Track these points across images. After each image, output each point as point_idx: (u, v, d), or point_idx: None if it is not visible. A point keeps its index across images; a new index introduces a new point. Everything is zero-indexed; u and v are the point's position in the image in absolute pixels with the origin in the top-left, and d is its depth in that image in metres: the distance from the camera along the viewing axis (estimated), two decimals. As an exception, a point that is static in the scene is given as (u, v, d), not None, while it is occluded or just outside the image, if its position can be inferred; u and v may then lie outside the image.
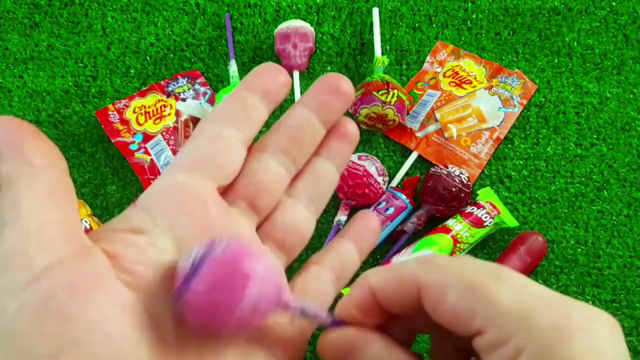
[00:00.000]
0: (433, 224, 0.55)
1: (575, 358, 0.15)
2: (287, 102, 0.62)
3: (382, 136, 0.60)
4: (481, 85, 0.61)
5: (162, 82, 0.62)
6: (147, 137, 0.59)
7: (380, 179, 0.55)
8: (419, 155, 0.59)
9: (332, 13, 0.67)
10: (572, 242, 0.56)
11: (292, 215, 0.22)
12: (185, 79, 0.63)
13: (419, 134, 0.60)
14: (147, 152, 0.58)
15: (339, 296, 0.22)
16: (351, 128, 0.24)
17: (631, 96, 0.62)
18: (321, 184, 0.23)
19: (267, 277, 0.17)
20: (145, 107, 0.61)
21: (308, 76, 0.63)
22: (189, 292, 0.16)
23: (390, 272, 0.19)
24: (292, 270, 0.23)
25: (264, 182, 0.22)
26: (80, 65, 0.64)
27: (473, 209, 0.54)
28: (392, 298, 0.19)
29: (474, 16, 0.66)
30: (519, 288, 0.17)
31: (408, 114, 0.60)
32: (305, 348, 0.20)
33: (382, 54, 0.62)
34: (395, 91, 0.56)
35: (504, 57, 0.64)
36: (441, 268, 0.18)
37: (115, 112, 0.60)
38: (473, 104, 0.60)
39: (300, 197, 0.23)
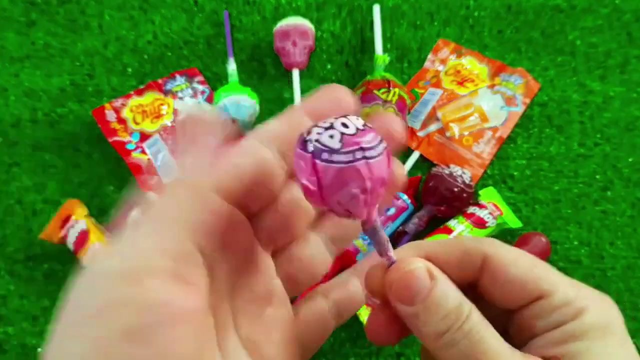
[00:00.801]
0: (435, 224, 0.54)
1: (619, 319, 0.19)
2: (286, 102, 0.61)
3: (382, 135, 0.60)
4: (483, 84, 0.60)
5: (160, 81, 0.61)
6: (144, 137, 0.58)
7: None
8: (421, 155, 0.58)
9: (332, 10, 0.66)
10: (576, 242, 0.55)
11: (309, 252, 0.22)
12: (183, 78, 0.62)
13: (420, 133, 0.59)
14: (143, 152, 0.58)
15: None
16: (398, 171, 0.22)
17: (635, 95, 0.61)
18: (347, 226, 0.23)
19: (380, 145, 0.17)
20: (142, 105, 0.60)
21: (308, 74, 0.63)
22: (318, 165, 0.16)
23: (451, 243, 0.20)
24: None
25: (289, 217, 0.21)
26: (77, 63, 0.63)
27: (475, 209, 0.53)
28: (452, 265, 0.20)
29: (476, 14, 0.65)
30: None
31: (409, 113, 0.60)
32: (323, 341, 0.20)
33: (383, 52, 0.61)
34: (396, 90, 0.55)
35: (506, 56, 0.63)
36: (503, 245, 0.20)
37: (112, 111, 0.59)
38: (475, 103, 0.59)
39: (322, 234, 0.23)
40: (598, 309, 0.18)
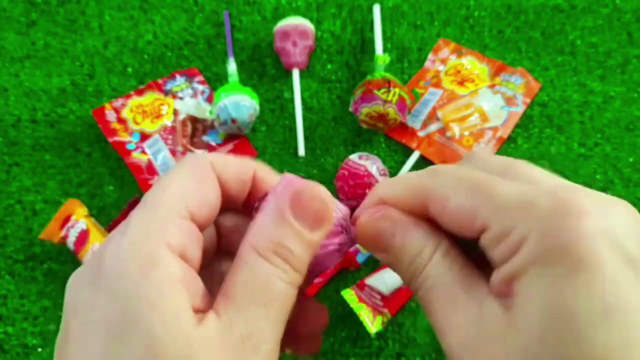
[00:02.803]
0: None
1: (582, 238, 0.14)
2: (286, 102, 0.61)
3: (383, 135, 0.60)
4: (484, 84, 0.60)
5: (160, 81, 0.61)
6: (144, 137, 0.58)
7: (381, 179, 0.54)
8: (421, 155, 0.58)
9: (333, 10, 0.66)
10: (576, 243, 0.55)
11: None
12: (183, 78, 0.62)
13: (420, 134, 0.59)
14: (144, 152, 0.58)
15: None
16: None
17: (635, 95, 0.61)
18: None
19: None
20: (142, 105, 0.60)
21: (308, 74, 0.63)
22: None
23: (399, 183, 0.20)
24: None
25: None
26: (77, 63, 0.63)
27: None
28: (402, 207, 0.20)
29: (476, 14, 0.65)
30: (527, 179, 0.17)
31: (409, 112, 0.59)
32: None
33: (383, 52, 0.61)
34: (397, 90, 0.55)
35: (506, 55, 0.63)
36: (446, 174, 0.19)
37: (112, 111, 0.59)
38: (475, 103, 0.59)
39: None
40: (545, 231, 0.15)
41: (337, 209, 0.21)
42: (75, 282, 0.18)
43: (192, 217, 0.19)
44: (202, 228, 0.19)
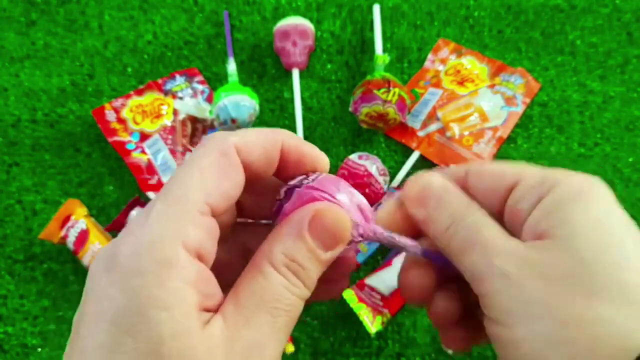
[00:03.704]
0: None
1: (601, 187, 0.20)
2: (286, 102, 0.61)
3: (383, 135, 0.60)
4: (483, 84, 0.60)
5: (160, 81, 0.61)
6: (144, 137, 0.58)
7: (381, 179, 0.54)
8: (421, 155, 0.58)
9: (333, 10, 0.66)
10: (576, 243, 0.55)
11: None
12: (183, 77, 0.62)
13: (420, 133, 0.59)
14: (143, 152, 0.58)
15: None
16: None
17: (635, 95, 0.61)
18: None
19: (351, 203, 0.21)
20: (142, 105, 0.60)
21: (308, 74, 0.63)
22: (280, 214, 0.21)
23: (450, 171, 0.24)
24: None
25: None
26: (76, 63, 0.63)
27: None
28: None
29: (476, 14, 0.65)
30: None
31: (409, 112, 0.59)
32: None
33: (383, 52, 0.61)
34: (396, 89, 0.55)
35: (506, 55, 0.63)
36: (481, 161, 0.24)
37: (112, 111, 0.59)
38: (475, 103, 0.59)
39: None
40: (570, 180, 0.20)
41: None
42: (95, 266, 0.18)
43: (212, 211, 0.18)
44: (221, 216, 0.19)
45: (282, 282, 0.19)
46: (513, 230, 0.21)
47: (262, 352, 0.18)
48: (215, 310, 0.18)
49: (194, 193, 0.18)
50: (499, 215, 0.22)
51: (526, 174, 0.21)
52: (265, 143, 0.21)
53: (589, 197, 0.19)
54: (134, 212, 0.53)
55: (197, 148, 0.20)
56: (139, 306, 0.16)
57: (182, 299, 0.16)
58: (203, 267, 0.18)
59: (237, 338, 0.17)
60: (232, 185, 0.19)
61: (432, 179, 0.23)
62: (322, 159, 0.23)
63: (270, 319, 0.18)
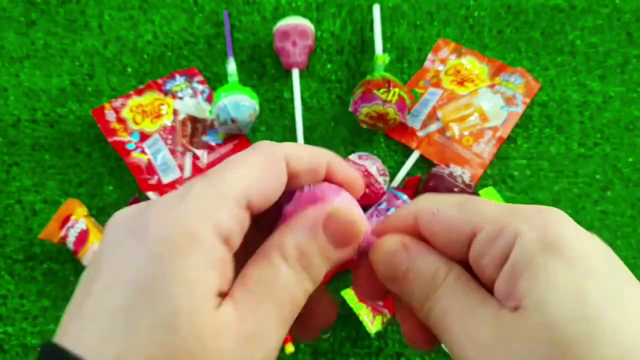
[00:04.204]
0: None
1: (571, 235, 0.17)
2: (286, 102, 0.61)
3: (383, 135, 0.60)
4: (483, 84, 0.60)
5: (160, 81, 0.61)
6: (144, 137, 0.58)
7: (381, 179, 0.54)
8: (421, 155, 0.58)
9: (332, 10, 0.66)
10: (576, 243, 0.55)
11: None
12: (183, 77, 0.62)
13: (420, 133, 0.59)
14: (143, 152, 0.58)
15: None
16: None
17: (635, 95, 0.61)
18: None
19: (343, 204, 0.21)
20: (142, 105, 0.60)
21: (308, 74, 0.63)
22: (282, 215, 0.21)
23: (391, 216, 0.22)
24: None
25: None
26: (76, 63, 0.63)
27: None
28: (396, 230, 0.21)
29: (475, 14, 0.65)
30: (497, 202, 0.20)
31: (409, 112, 0.59)
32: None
33: (383, 51, 0.61)
34: (396, 89, 0.55)
35: (506, 55, 0.63)
36: (429, 196, 0.21)
37: (112, 111, 0.59)
38: (475, 103, 0.59)
39: None
40: (534, 227, 0.17)
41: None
42: (117, 227, 0.18)
43: (249, 206, 0.19)
44: (254, 213, 0.20)
45: (292, 274, 0.19)
46: (484, 281, 0.19)
47: (266, 339, 0.18)
48: (226, 294, 0.18)
49: (236, 184, 0.18)
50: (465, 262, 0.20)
51: (482, 221, 0.19)
52: (313, 159, 0.21)
53: (554, 251, 0.17)
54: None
55: (246, 151, 0.20)
56: (163, 276, 0.16)
57: (204, 279, 0.17)
58: (227, 252, 0.18)
59: (245, 323, 0.17)
60: (273, 187, 0.20)
61: (393, 245, 0.21)
62: (360, 184, 0.23)
63: (277, 309, 0.18)
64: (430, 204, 0.21)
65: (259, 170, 0.19)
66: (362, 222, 0.20)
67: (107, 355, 0.15)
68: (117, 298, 0.16)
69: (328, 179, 0.22)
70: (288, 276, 0.19)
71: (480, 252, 0.18)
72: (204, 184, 0.18)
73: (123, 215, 0.18)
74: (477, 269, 0.19)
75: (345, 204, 0.21)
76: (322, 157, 0.22)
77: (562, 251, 0.17)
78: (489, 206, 0.19)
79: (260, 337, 0.18)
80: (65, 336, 0.16)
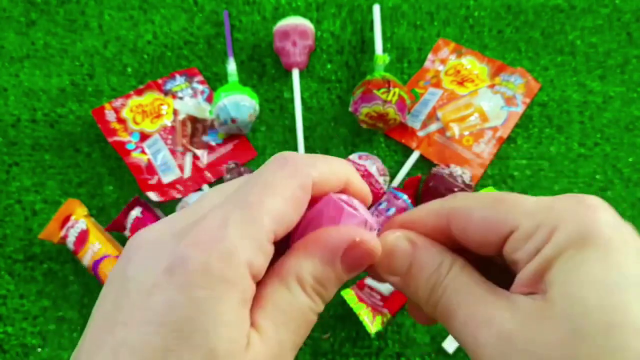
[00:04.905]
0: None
1: (606, 226, 0.17)
2: (286, 102, 0.61)
3: (383, 135, 0.60)
4: (483, 84, 0.60)
5: (160, 81, 0.61)
6: (144, 137, 0.58)
7: (381, 179, 0.54)
8: (421, 155, 0.58)
9: (332, 10, 0.66)
10: (576, 243, 0.55)
11: None
12: (183, 77, 0.62)
13: (420, 133, 0.59)
14: (143, 152, 0.58)
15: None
16: None
17: (635, 95, 0.61)
18: None
19: (360, 224, 0.21)
20: (142, 105, 0.60)
21: (308, 74, 0.63)
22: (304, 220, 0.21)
23: (422, 207, 0.22)
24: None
25: None
26: (76, 63, 0.63)
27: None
28: (425, 229, 0.21)
29: (476, 14, 0.65)
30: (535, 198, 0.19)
31: (409, 112, 0.59)
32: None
33: (383, 52, 0.61)
34: (396, 90, 0.55)
35: (506, 55, 0.63)
36: (465, 195, 0.21)
37: (112, 111, 0.59)
38: (475, 103, 0.59)
39: None
40: (571, 222, 0.17)
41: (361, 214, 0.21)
42: (151, 247, 0.18)
43: (275, 238, 0.19)
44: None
45: (308, 302, 0.19)
46: (512, 271, 0.19)
47: None
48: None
49: (272, 218, 0.18)
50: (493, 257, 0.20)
51: (518, 220, 0.18)
52: (339, 180, 0.21)
53: (588, 244, 0.17)
54: (133, 212, 0.53)
55: (281, 167, 0.19)
56: (201, 318, 0.16)
57: (240, 320, 0.17)
58: (255, 287, 0.18)
59: (271, 355, 0.18)
60: (297, 218, 0.20)
61: (399, 238, 0.21)
62: (369, 200, 0.23)
63: (294, 334, 0.19)
64: (463, 204, 0.20)
65: (291, 202, 0.19)
66: (378, 246, 0.20)
67: None
68: (152, 338, 0.16)
69: (344, 190, 0.22)
70: (304, 304, 0.19)
71: (515, 248, 0.18)
72: (244, 214, 0.18)
73: (153, 237, 0.18)
74: (509, 261, 0.19)
75: (361, 222, 0.21)
76: (345, 174, 0.21)
77: (594, 242, 0.17)
78: (525, 203, 0.19)
79: None
80: None
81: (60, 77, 0.62)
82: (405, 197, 0.54)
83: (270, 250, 0.18)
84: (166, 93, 0.61)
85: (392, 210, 0.53)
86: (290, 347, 0.19)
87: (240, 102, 0.55)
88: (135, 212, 0.53)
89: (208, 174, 0.57)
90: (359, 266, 0.20)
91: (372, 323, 0.48)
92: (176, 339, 0.16)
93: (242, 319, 0.17)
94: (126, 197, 0.57)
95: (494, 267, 0.21)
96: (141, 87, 0.61)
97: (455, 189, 0.52)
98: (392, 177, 0.57)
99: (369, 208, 0.48)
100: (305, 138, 0.59)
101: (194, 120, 0.59)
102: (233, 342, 0.16)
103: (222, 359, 0.16)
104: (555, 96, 0.61)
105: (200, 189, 0.57)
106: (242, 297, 0.17)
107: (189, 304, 0.16)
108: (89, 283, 0.53)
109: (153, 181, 0.56)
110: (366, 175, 0.53)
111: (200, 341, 0.16)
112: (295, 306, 0.19)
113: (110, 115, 0.59)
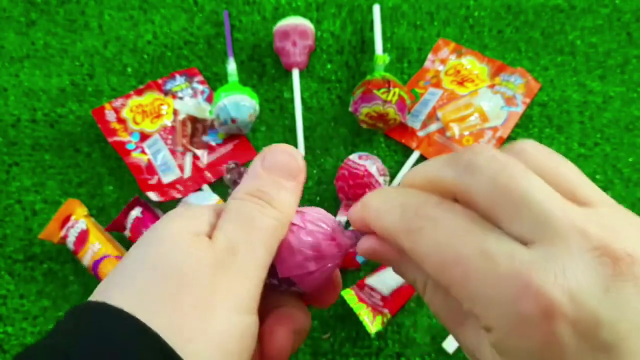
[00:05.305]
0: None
1: None
2: (286, 102, 0.61)
3: (383, 135, 0.60)
4: (483, 84, 0.60)
5: (160, 81, 0.61)
6: (144, 137, 0.58)
7: (381, 179, 0.54)
8: (421, 155, 0.58)
9: (332, 10, 0.66)
10: (576, 243, 0.55)
11: None
12: (183, 77, 0.62)
13: (420, 133, 0.59)
14: (143, 152, 0.58)
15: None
16: None
17: (635, 95, 0.61)
18: None
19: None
20: (142, 105, 0.60)
21: (308, 74, 0.63)
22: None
23: (419, 170, 0.21)
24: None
25: None
26: (76, 63, 0.63)
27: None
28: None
29: (476, 14, 0.65)
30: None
31: (409, 112, 0.59)
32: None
33: (383, 52, 0.61)
34: (396, 90, 0.55)
35: (506, 55, 0.63)
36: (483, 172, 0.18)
37: (112, 111, 0.59)
38: (475, 103, 0.59)
39: None
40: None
41: (324, 223, 0.22)
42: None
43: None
44: None
45: (253, 206, 0.20)
46: None
47: (236, 253, 0.19)
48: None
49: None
50: None
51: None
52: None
53: None
54: (133, 212, 0.53)
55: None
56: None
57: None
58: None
59: (217, 245, 0.19)
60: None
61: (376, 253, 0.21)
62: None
63: (245, 235, 0.20)
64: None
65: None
66: (295, 151, 0.22)
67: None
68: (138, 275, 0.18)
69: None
70: (250, 208, 0.20)
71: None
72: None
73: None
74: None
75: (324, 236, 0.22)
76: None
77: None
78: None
79: (233, 251, 0.19)
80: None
81: (60, 77, 0.62)
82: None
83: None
84: (166, 93, 0.61)
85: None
86: (246, 244, 0.19)
87: (240, 102, 0.55)
88: (135, 212, 0.53)
89: (208, 174, 0.57)
90: (283, 166, 0.21)
91: (372, 323, 0.48)
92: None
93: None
94: (126, 197, 0.57)
95: None
96: (141, 87, 0.61)
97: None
98: (392, 177, 0.57)
99: None
100: (305, 138, 0.59)
101: (194, 120, 0.59)
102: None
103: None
104: (555, 96, 0.61)
105: (200, 189, 0.57)
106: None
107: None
108: (89, 283, 0.53)
109: (153, 181, 0.56)
110: (366, 175, 0.53)
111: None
112: (242, 211, 0.20)
113: (110, 115, 0.59)
